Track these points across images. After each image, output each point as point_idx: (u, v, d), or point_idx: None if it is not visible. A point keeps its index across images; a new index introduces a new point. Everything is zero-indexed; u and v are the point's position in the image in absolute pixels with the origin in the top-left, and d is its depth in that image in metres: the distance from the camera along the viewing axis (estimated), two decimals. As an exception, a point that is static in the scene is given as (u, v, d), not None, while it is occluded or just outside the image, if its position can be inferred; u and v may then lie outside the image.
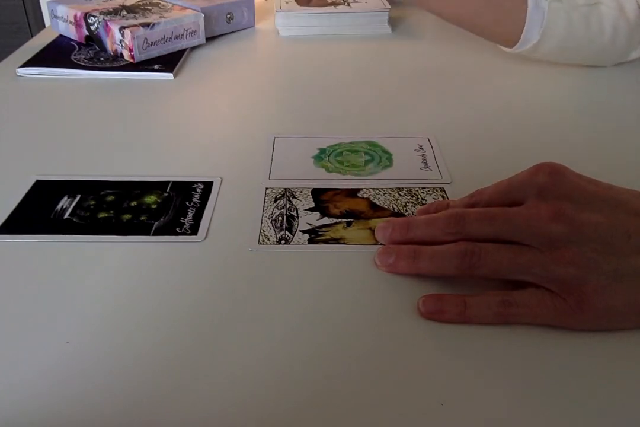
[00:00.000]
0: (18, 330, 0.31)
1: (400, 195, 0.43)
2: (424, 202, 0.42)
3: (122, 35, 0.64)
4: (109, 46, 0.67)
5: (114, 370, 0.29)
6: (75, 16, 0.68)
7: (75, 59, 0.66)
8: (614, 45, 0.59)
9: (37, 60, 0.65)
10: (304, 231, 0.39)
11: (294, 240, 0.38)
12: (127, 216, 0.40)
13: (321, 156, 0.48)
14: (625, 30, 0.57)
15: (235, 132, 0.52)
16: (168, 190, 0.43)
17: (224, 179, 0.45)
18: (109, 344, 0.30)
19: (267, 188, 0.43)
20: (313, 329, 0.32)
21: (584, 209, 0.31)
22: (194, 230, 0.39)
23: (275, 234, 0.39)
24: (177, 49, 0.69)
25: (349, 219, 0.40)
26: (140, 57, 0.65)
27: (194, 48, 0.71)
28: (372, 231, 0.39)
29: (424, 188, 0.44)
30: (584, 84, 0.61)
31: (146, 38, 0.64)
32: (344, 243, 0.38)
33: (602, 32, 0.57)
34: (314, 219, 0.40)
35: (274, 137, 0.51)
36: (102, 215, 0.40)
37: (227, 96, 0.60)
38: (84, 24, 0.68)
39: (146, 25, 0.65)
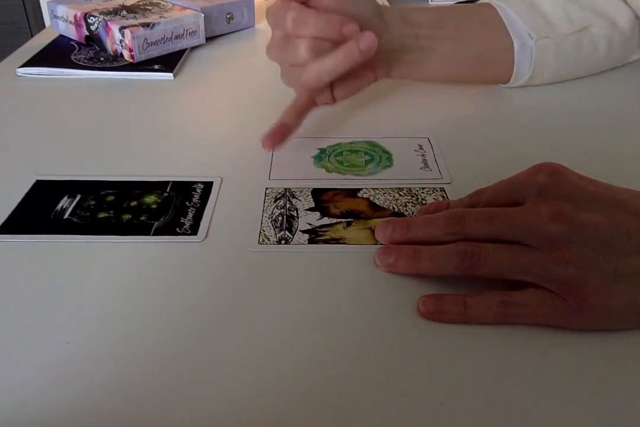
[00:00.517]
0: (18, 330, 0.31)
1: (400, 195, 0.43)
2: (424, 202, 0.42)
3: (122, 35, 0.64)
4: (109, 46, 0.67)
5: (114, 370, 0.29)
6: (75, 16, 0.68)
7: (75, 59, 0.66)
8: (610, 57, 0.58)
9: (37, 60, 0.65)
10: (304, 231, 0.39)
11: (294, 240, 0.38)
12: (127, 216, 0.40)
13: (321, 156, 0.48)
14: (620, 42, 0.57)
15: (235, 132, 0.52)
16: (168, 190, 0.43)
17: (224, 179, 0.45)
18: (109, 344, 0.30)
19: (267, 188, 0.44)
20: (313, 329, 0.32)
21: (584, 209, 0.31)
22: (194, 230, 0.39)
23: (275, 234, 0.39)
24: (177, 49, 0.69)
25: (349, 219, 0.40)
26: (140, 57, 0.65)
27: (194, 48, 0.71)
28: (372, 231, 0.39)
29: (424, 188, 0.44)
30: (584, 84, 0.61)
31: (146, 38, 0.64)
32: (344, 243, 0.38)
33: (596, 51, 0.56)
34: (314, 219, 0.40)
35: (274, 137, 0.51)
36: (102, 215, 0.40)
37: (227, 96, 0.60)
38: (84, 24, 0.68)
39: (146, 25, 0.65)
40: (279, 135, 0.46)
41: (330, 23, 0.44)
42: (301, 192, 0.43)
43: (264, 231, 0.39)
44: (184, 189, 0.43)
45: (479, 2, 0.57)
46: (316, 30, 0.44)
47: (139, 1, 0.72)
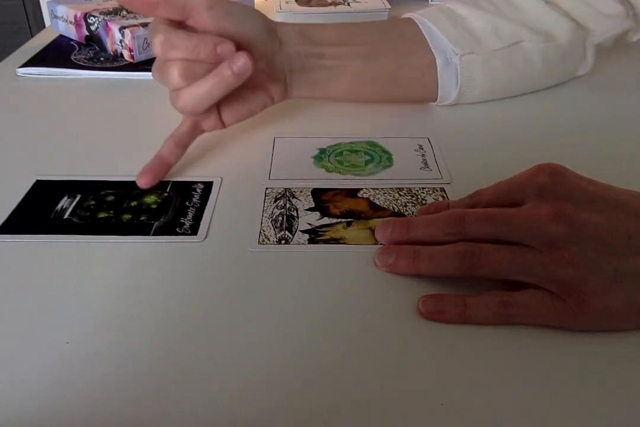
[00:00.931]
0: (18, 330, 0.31)
1: (400, 195, 0.43)
2: (424, 202, 0.42)
3: (122, 35, 0.64)
4: (109, 46, 0.67)
5: (114, 370, 0.29)
6: (75, 16, 0.68)
7: (75, 59, 0.66)
8: (549, 72, 0.56)
9: (37, 60, 0.65)
10: (304, 231, 0.39)
11: (294, 240, 0.38)
12: (127, 216, 0.40)
13: (321, 156, 0.48)
14: (558, 56, 0.54)
15: (235, 132, 0.52)
16: (168, 190, 0.43)
17: (224, 179, 0.45)
18: (109, 344, 0.30)
19: (267, 188, 0.44)
20: (313, 329, 0.32)
21: (584, 209, 0.31)
22: (194, 230, 0.39)
23: (275, 234, 0.39)
24: (177, 49, 0.69)
25: (349, 219, 0.40)
26: (140, 57, 0.65)
27: (194, 48, 0.71)
28: (372, 231, 0.39)
29: (424, 188, 0.44)
30: (584, 85, 0.61)
31: (146, 38, 0.64)
32: (344, 243, 0.38)
33: (531, 66, 0.54)
34: (314, 219, 0.40)
35: (274, 137, 0.51)
36: (102, 215, 0.40)
37: (227, 96, 0.60)
38: (84, 24, 0.68)
39: (146, 25, 0.65)
40: (155, 171, 0.43)
41: (201, 44, 0.39)
42: (301, 192, 0.43)
43: (264, 230, 0.39)
44: (184, 189, 0.43)
45: (401, 17, 0.55)
46: (186, 53, 0.40)
47: (139, 1, 0.72)
